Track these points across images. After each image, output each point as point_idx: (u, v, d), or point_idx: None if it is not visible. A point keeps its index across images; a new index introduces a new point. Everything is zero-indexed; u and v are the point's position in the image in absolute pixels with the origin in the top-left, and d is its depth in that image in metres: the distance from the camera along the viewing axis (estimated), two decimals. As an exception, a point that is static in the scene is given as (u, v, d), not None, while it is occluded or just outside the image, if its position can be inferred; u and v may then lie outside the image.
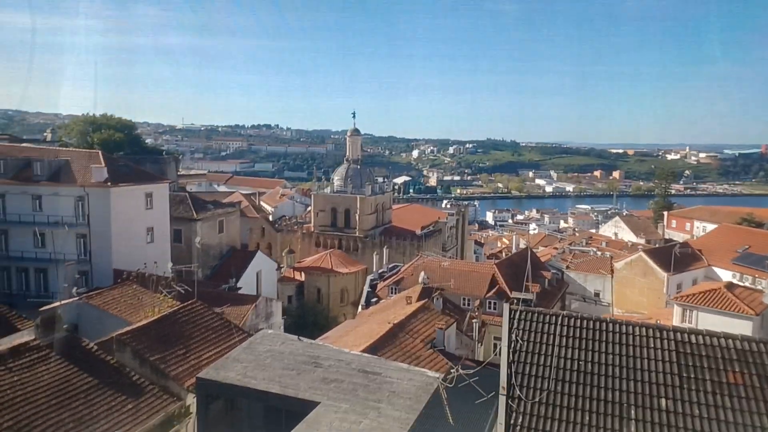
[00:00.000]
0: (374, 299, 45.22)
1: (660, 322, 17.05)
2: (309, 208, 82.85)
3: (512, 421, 12.48)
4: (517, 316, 14.11)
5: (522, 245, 71.64)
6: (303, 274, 59.68)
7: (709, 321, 33.97)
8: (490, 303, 44.29)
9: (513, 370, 13.11)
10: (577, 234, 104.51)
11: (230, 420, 17.27)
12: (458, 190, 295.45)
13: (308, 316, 51.93)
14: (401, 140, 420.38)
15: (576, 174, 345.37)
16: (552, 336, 13.74)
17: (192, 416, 19.40)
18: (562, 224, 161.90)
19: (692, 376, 12.78)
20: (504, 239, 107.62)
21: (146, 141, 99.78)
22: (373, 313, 35.61)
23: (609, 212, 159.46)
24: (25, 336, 20.81)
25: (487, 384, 14.60)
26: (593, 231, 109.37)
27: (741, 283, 45.18)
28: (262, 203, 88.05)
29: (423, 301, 30.32)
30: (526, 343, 13.65)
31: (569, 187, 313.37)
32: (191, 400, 19.64)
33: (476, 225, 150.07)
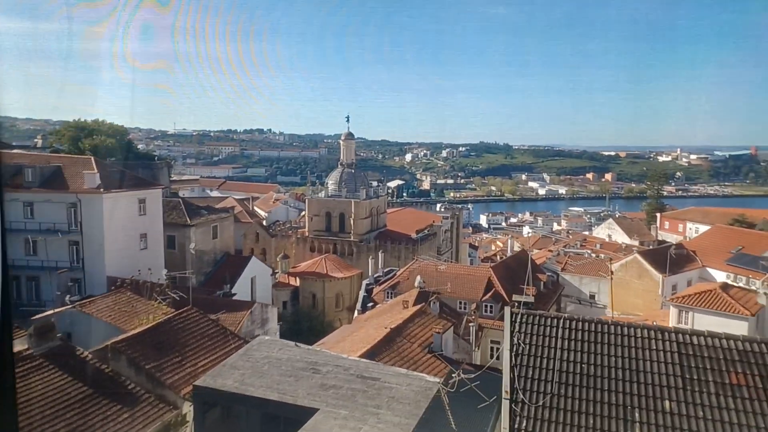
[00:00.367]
0: (370, 304, 45.00)
1: (657, 324, 17.01)
2: (303, 213, 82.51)
3: (516, 426, 12.37)
4: (518, 320, 14.02)
5: (517, 248, 71.65)
6: (298, 279, 59.39)
7: (705, 322, 33.95)
8: (486, 306, 44.27)
9: (516, 373, 13.01)
10: (570, 236, 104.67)
11: (228, 428, 17.05)
12: (452, 194, 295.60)
13: (304, 322, 51.61)
14: (394, 144, 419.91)
15: (569, 176, 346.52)
16: (554, 339, 13.66)
17: (189, 425, 19.19)
18: (556, 227, 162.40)
19: (695, 377, 12.74)
20: (498, 242, 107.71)
21: (138, 146, 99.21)
22: (369, 317, 35.43)
23: (602, 214, 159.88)
24: (17, 345, 20.52)
25: (487, 388, 14.50)
26: (586, 233, 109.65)
27: (735, 284, 45.39)
28: (255, 208, 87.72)
29: (420, 305, 30.19)
30: (528, 346, 13.56)
31: (562, 190, 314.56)
32: (188, 408, 19.42)
33: (470, 228, 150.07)
